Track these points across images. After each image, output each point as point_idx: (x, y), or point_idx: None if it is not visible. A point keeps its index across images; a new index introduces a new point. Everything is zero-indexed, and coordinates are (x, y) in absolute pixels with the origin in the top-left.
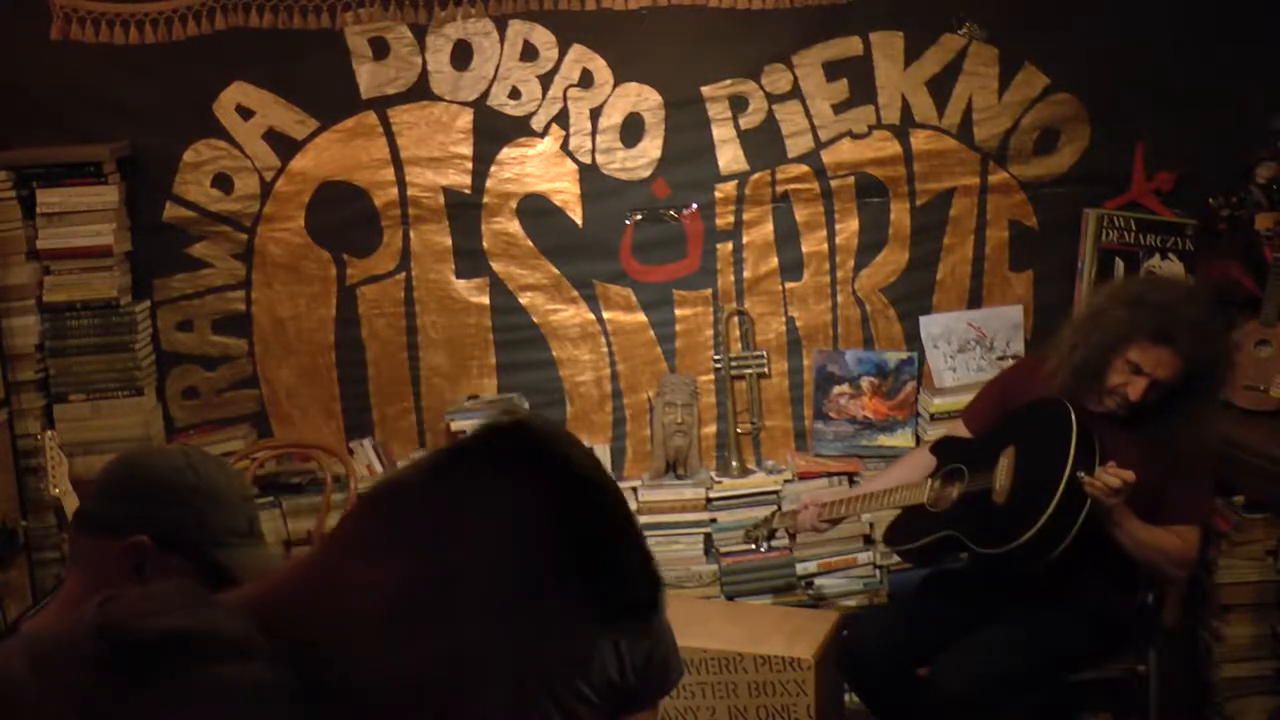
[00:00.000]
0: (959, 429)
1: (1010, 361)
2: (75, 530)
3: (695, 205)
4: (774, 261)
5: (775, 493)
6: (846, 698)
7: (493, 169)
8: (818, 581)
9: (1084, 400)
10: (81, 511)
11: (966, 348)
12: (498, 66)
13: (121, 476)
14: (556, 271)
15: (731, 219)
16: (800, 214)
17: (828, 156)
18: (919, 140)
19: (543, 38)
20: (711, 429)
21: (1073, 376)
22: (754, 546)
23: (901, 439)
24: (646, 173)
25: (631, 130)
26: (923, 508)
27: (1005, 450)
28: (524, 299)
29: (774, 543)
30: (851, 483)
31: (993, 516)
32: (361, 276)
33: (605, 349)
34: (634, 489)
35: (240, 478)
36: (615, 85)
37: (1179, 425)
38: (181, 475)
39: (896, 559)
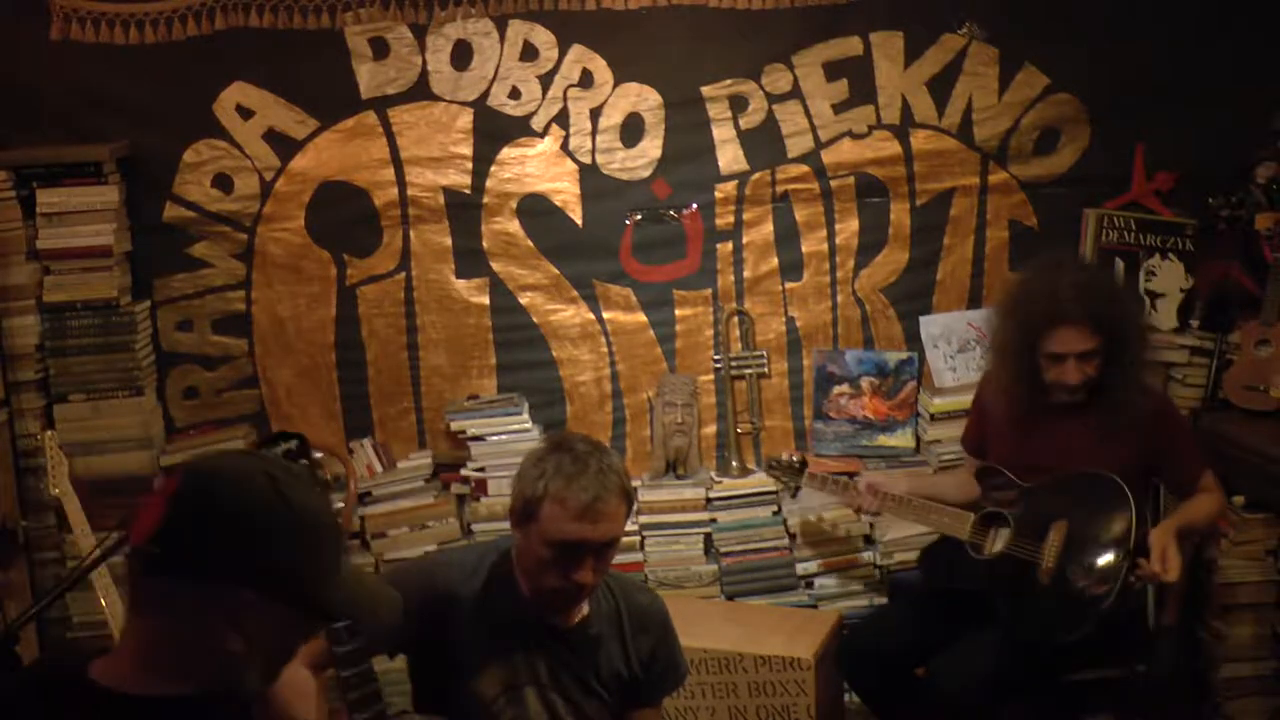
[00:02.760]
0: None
1: None
2: (142, 570)
3: (695, 205)
4: (774, 261)
5: (775, 493)
6: (846, 698)
7: (493, 169)
8: (818, 581)
9: (1041, 402)
10: (148, 552)
11: (966, 348)
12: (498, 66)
13: (198, 510)
14: (556, 271)
15: (731, 219)
16: (800, 214)
17: (828, 156)
18: (919, 140)
19: (543, 38)
20: (711, 429)
21: (1018, 395)
22: (776, 483)
23: (901, 439)
24: (646, 173)
25: (631, 130)
26: (961, 546)
27: (1056, 524)
28: (524, 299)
29: (794, 488)
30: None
31: (1036, 597)
32: (361, 276)
33: (605, 349)
34: (634, 488)
35: (326, 493)
36: (615, 85)
37: (1120, 384)
38: (274, 508)
39: (897, 560)
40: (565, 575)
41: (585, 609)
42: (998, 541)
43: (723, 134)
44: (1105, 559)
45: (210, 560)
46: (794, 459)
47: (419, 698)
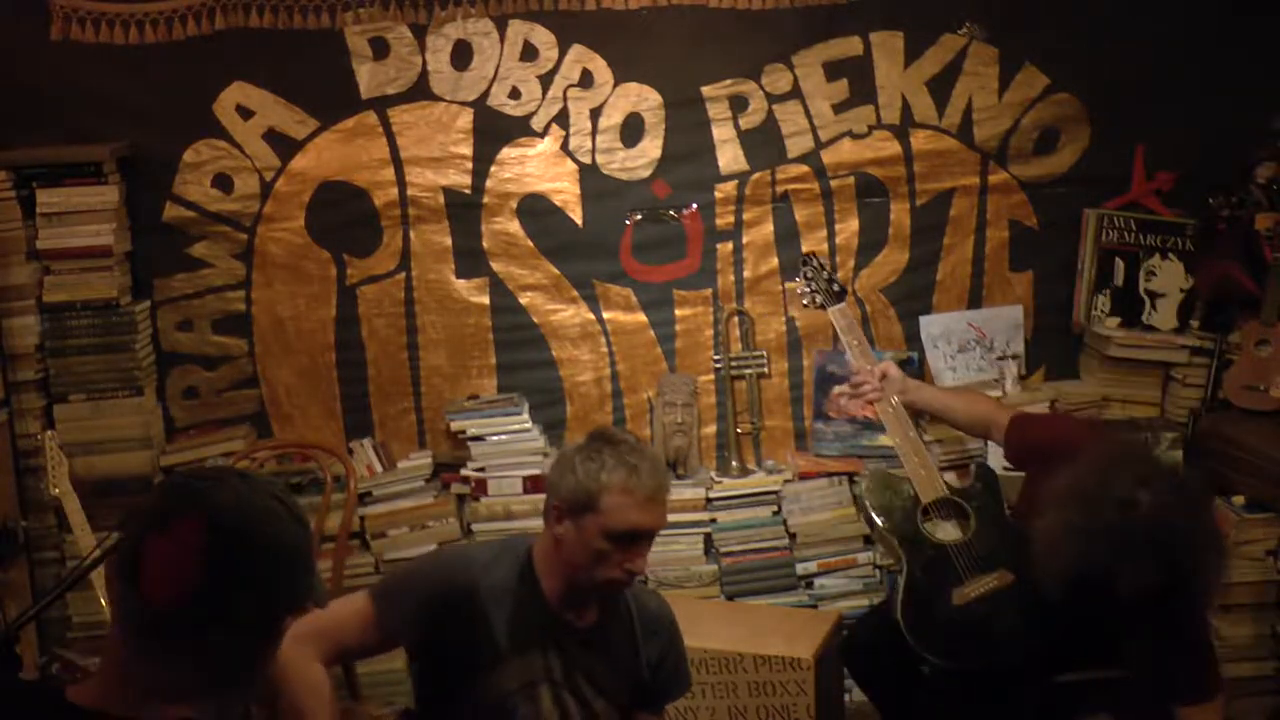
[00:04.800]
0: (1001, 421)
1: (1014, 361)
2: (174, 628)
3: (695, 205)
4: (774, 261)
5: (775, 493)
6: (847, 697)
7: (493, 169)
8: (818, 581)
9: None
10: (185, 612)
11: (966, 348)
12: (498, 66)
13: (239, 557)
14: (556, 271)
15: (731, 219)
16: (800, 214)
17: (828, 156)
18: (919, 140)
19: (543, 38)
20: (711, 429)
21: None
22: (803, 282)
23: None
24: (646, 173)
25: (631, 130)
26: (915, 501)
27: (1003, 571)
28: (524, 299)
29: (816, 283)
30: (852, 482)
31: (933, 605)
32: (361, 276)
33: (605, 349)
34: None
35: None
36: (615, 85)
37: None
38: (294, 533)
39: (894, 560)
40: (621, 565)
41: (598, 611)
42: (945, 530)
43: (723, 134)
44: (1003, 639)
45: (255, 604)
46: (837, 282)
47: (422, 694)
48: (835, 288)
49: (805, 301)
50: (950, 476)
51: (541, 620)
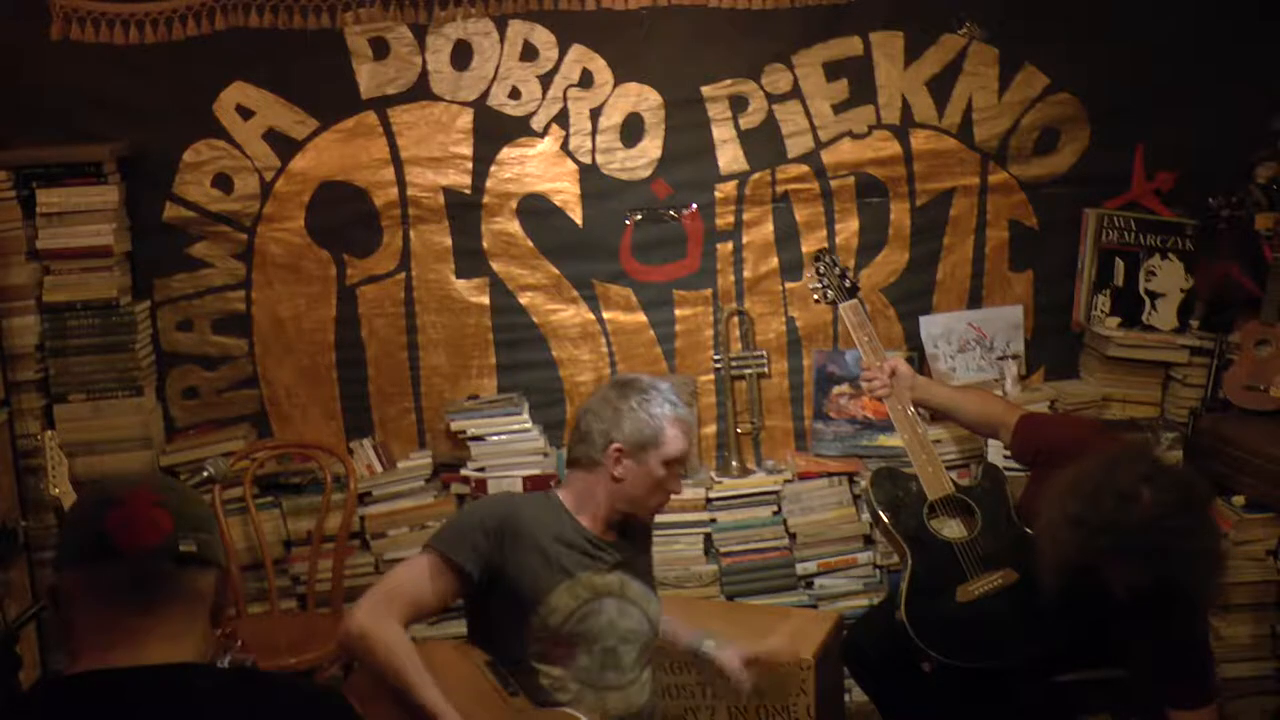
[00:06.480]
0: (1010, 421)
1: (1014, 361)
2: (172, 563)
3: (695, 205)
4: (774, 261)
5: (775, 493)
6: (846, 698)
7: (493, 169)
8: (818, 581)
9: None
10: (177, 548)
11: (966, 348)
12: (498, 66)
13: (188, 509)
14: (556, 271)
15: (731, 219)
16: (800, 214)
17: (828, 156)
18: (919, 140)
19: (543, 38)
20: (711, 429)
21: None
22: (815, 278)
23: (901, 439)
24: (646, 173)
25: (631, 130)
26: (921, 497)
27: (1008, 570)
28: (524, 299)
29: (828, 280)
30: (852, 482)
31: (937, 602)
32: (361, 276)
33: (605, 349)
34: None
35: None
36: (615, 85)
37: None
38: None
39: (896, 559)
40: (668, 489)
41: (618, 533)
42: (951, 528)
43: (723, 134)
44: (1006, 637)
45: (212, 541)
46: (851, 279)
47: (490, 634)
48: (847, 284)
49: (816, 297)
50: (953, 475)
51: (586, 544)
